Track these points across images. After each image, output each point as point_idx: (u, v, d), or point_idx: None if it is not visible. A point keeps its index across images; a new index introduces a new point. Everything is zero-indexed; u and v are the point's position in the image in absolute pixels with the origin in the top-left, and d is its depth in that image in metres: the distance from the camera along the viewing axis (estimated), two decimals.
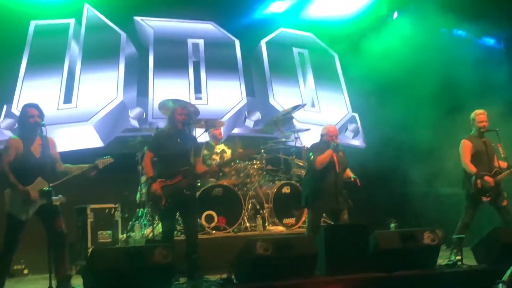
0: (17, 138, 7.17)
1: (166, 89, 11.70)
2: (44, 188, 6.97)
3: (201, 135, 9.96)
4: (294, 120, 11.19)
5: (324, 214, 8.93)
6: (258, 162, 10.17)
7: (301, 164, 10.33)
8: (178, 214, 7.95)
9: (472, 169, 8.50)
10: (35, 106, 7.27)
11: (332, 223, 8.76)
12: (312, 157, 8.33)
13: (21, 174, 6.98)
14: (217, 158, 9.90)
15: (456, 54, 12.26)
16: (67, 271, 7.23)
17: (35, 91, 10.87)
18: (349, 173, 8.58)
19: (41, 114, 7.22)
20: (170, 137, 7.66)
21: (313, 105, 13.05)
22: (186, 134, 7.79)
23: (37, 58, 11.28)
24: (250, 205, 9.83)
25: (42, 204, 7.01)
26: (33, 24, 11.56)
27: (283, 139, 10.78)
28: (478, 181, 8.44)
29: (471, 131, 8.83)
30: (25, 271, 9.49)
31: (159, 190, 7.39)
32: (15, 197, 6.93)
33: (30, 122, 7.13)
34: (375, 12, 13.46)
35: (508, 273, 6.10)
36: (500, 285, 6.21)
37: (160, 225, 8.38)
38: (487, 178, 8.43)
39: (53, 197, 7.12)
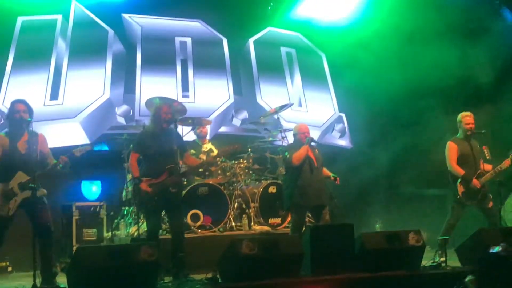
0: (3, 135, 7.14)
1: (153, 86, 11.67)
2: (24, 181, 6.94)
3: (187, 134, 10.00)
4: (281, 120, 11.21)
5: (309, 214, 8.98)
6: (244, 161, 10.17)
7: None
8: (163, 213, 7.94)
9: (459, 171, 8.51)
10: (22, 102, 7.24)
11: (315, 221, 8.75)
12: (288, 155, 8.38)
13: (4, 170, 6.97)
14: (204, 157, 9.87)
15: (444, 53, 12.32)
16: (52, 269, 7.20)
17: (22, 87, 10.82)
18: (326, 172, 8.62)
19: (29, 110, 7.20)
20: (155, 136, 7.66)
21: (300, 105, 13.08)
22: (171, 132, 7.78)
23: (24, 54, 11.23)
24: (236, 204, 9.82)
25: (24, 198, 6.98)
26: (20, 20, 11.51)
27: (270, 138, 10.78)
28: (461, 185, 8.45)
29: (457, 133, 8.85)
30: (10, 268, 9.42)
31: (149, 189, 7.39)
32: None
33: (16, 117, 7.10)
34: (364, 13, 13.48)
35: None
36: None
37: (145, 223, 8.36)
38: (474, 180, 8.45)
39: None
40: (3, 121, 10.18)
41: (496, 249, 7.17)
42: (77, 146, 10.32)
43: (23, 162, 7.01)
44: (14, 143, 7.04)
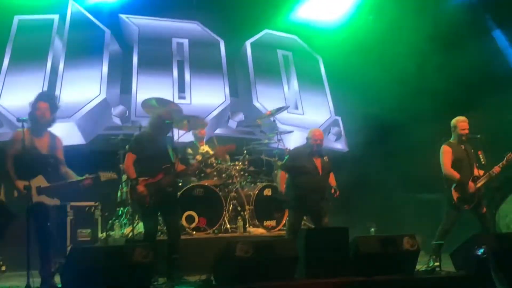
0: (26, 129, 6.97)
1: (149, 87, 11.66)
2: (42, 186, 6.91)
3: (184, 134, 9.98)
4: (277, 122, 11.20)
5: (304, 217, 8.98)
6: (240, 163, 10.15)
7: None
8: (159, 214, 7.95)
9: (454, 175, 8.49)
10: (44, 100, 7.18)
11: (313, 226, 8.76)
12: (284, 160, 8.42)
13: (24, 168, 6.89)
14: (200, 158, 9.87)
15: (440, 58, 12.35)
16: (51, 269, 7.17)
17: (18, 86, 10.79)
18: (332, 180, 8.60)
19: (51, 108, 7.15)
20: (152, 139, 7.66)
21: (296, 108, 13.09)
22: (168, 138, 7.81)
23: (20, 54, 11.23)
24: (231, 206, 9.79)
25: (37, 201, 6.92)
26: (16, 19, 11.50)
27: (266, 141, 10.78)
28: (456, 190, 8.44)
29: (451, 137, 8.83)
30: (3, 268, 9.39)
31: (145, 191, 7.37)
32: (11, 190, 6.87)
33: (37, 114, 7.04)
34: (359, 16, 13.51)
35: None
36: None
37: (140, 224, 8.35)
38: (470, 183, 8.44)
39: (50, 198, 7.03)
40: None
41: (480, 251, 7.20)
42: (72, 146, 10.46)
43: (43, 164, 6.98)
44: (33, 141, 7.00)
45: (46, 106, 7.13)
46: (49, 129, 7.24)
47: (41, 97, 7.28)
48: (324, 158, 8.51)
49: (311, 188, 8.28)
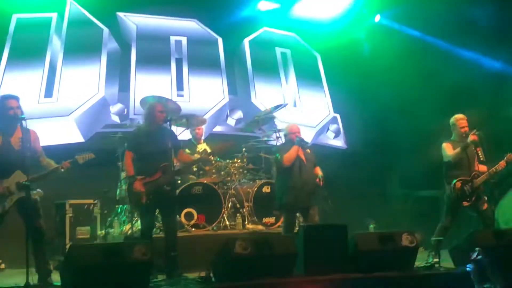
0: None
1: (148, 85, 11.66)
2: (22, 181, 6.90)
3: (182, 133, 9.98)
4: (276, 120, 11.20)
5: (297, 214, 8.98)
6: (239, 161, 10.16)
7: None
8: (157, 211, 7.94)
9: (459, 152, 8.47)
10: (15, 98, 7.16)
11: (304, 222, 8.74)
12: (279, 157, 8.39)
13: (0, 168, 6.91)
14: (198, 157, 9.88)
15: (438, 56, 12.36)
16: (47, 267, 7.17)
17: (16, 84, 10.76)
18: (318, 171, 8.59)
19: (19, 107, 7.14)
20: (149, 135, 7.64)
21: (295, 105, 13.08)
22: (165, 131, 7.77)
23: (19, 52, 11.20)
24: (230, 203, 9.81)
25: (20, 197, 6.93)
26: (15, 17, 11.48)
27: (265, 138, 10.78)
28: (455, 187, 8.44)
29: (451, 135, 8.84)
30: (2, 266, 9.39)
31: (142, 188, 7.37)
32: None
33: (10, 114, 7.02)
34: (358, 14, 13.51)
35: None
36: None
37: (139, 222, 8.35)
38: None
39: (31, 191, 7.01)
40: None
41: (475, 253, 7.21)
42: (71, 144, 10.45)
43: (19, 160, 6.92)
44: (7, 140, 7.00)
45: (16, 103, 7.11)
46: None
47: (7, 96, 7.24)
48: (307, 150, 8.56)
49: (301, 181, 8.32)
